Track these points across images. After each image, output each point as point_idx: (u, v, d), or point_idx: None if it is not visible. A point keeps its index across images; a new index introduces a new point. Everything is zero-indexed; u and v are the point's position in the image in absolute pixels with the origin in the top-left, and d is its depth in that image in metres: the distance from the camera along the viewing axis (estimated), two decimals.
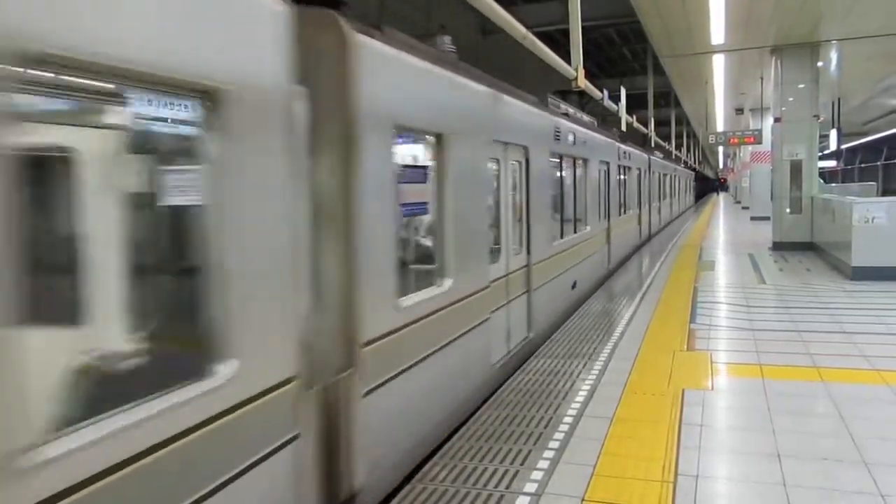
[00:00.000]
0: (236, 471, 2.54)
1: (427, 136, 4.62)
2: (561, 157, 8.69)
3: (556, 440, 4.43)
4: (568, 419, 4.81)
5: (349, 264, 3.44)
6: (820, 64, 15.58)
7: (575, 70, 8.68)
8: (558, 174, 8.92)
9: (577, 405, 5.10)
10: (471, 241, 5.23)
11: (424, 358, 4.26)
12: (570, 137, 8.95)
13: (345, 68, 3.38)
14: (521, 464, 4.09)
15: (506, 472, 3.98)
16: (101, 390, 2.78)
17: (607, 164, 12.13)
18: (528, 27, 7.55)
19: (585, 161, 10.18)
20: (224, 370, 2.49)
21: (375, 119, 3.66)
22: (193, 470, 2.35)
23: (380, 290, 3.72)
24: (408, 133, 4.37)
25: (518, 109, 6.69)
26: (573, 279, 9.18)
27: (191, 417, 2.31)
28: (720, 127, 32.91)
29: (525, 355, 6.79)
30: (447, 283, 4.72)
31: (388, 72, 3.87)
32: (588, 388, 5.53)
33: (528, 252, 7.02)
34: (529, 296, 7.04)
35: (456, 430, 4.76)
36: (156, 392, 2.24)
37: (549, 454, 4.21)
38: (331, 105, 3.36)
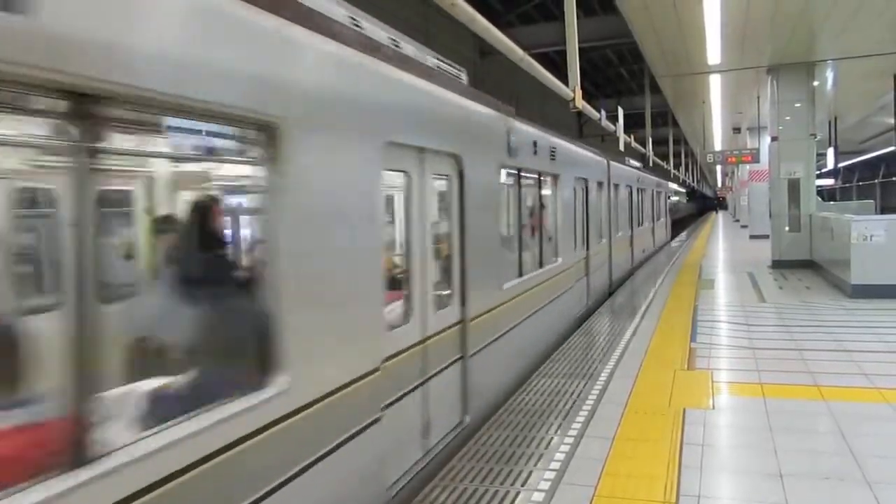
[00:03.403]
0: None
1: None
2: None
3: (557, 461, 4.41)
4: (569, 439, 4.79)
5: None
6: (816, 83, 15.70)
7: (572, 91, 8.73)
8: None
9: (578, 425, 5.08)
10: None
11: None
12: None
13: None
14: (522, 485, 4.06)
15: (506, 493, 3.96)
16: None
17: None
18: (525, 49, 7.62)
19: None
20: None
21: None
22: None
23: None
24: None
25: None
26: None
27: None
28: (718, 146, 33.06)
29: None
30: None
31: None
32: (589, 407, 5.51)
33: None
34: None
35: None
36: None
37: (549, 475, 4.19)
38: None
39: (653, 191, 21.71)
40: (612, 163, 13.02)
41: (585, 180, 10.43)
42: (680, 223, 44.03)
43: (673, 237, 28.70)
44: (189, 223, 2.96)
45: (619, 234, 13.95)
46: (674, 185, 38.41)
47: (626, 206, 15.39)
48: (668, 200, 29.82)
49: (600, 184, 11.73)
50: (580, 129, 30.38)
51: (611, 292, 12.58)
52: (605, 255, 12.13)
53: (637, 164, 21.50)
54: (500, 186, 6.14)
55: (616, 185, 13.63)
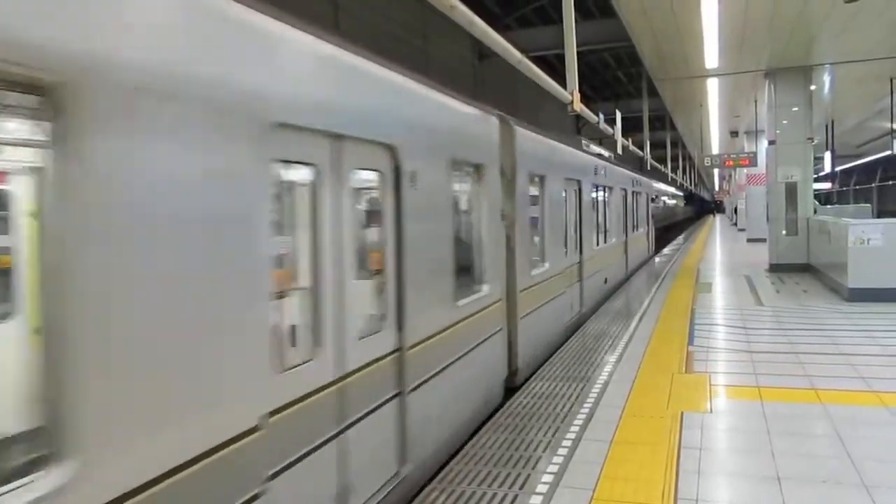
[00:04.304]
0: None
1: None
2: None
3: (556, 464, 4.41)
4: (567, 442, 4.79)
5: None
6: (813, 87, 15.74)
7: (570, 94, 8.75)
8: None
9: (576, 428, 5.08)
10: None
11: None
12: None
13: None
14: (521, 488, 4.06)
15: (504, 496, 3.96)
16: None
17: None
18: (523, 52, 7.64)
19: None
20: None
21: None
22: None
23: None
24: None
25: None
26: None
27: None
28: (715, 149, 33.12)
29: None
30: None
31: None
32: (587, 410, 5.51)
33: None
34: None
35: None
36: None
37: (548, 478, 4.19)
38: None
39: (627, 190, 15.35)
40: (520, 131, 6.93)
41: (392, 150, 4.09)
42: (677, 227, 43.98)
43: (668, 243, 27.24)
44: None
45: (543, 267, 8.06)
46: (662, 186, 35.20)
47: (567, 217, 9.51)
48: (654, 203, 24.02)
49: (476, 168, 5.87)
50: (578, 132, 30.45)
51: (513, 388, 6.54)
52: (493, 320, 6.11)
53: (598, 149, 15.36)
54: None
55: (539, 178, 8.01)
